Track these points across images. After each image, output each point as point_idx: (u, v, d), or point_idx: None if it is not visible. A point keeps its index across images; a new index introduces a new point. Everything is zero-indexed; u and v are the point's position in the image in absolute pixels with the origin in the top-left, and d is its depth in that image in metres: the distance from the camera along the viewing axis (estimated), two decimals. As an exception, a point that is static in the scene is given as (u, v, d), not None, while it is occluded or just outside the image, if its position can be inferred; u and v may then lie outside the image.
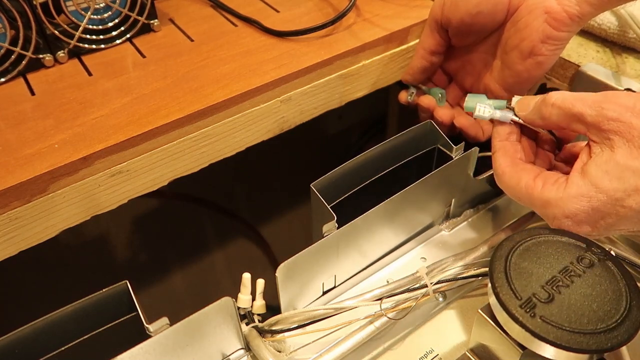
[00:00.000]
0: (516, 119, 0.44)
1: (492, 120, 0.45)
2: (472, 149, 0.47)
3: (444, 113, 0.52)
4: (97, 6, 0.53)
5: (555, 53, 0.45)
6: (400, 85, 0.60)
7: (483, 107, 0.45)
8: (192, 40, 0.56)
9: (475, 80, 0.52)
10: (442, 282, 0.43)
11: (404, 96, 0.56)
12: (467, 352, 0.41)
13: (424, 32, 0.51)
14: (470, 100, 0.46)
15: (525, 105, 0.43)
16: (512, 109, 0.44)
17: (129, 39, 0.56)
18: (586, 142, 0.39)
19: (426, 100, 0.54)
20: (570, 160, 0.43)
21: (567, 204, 0.37)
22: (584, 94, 0.38)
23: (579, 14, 0.43)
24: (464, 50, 0.52)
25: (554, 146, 0.46)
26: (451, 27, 0.49)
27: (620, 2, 0.43)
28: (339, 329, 0.42)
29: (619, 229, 0.37)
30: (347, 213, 0.42)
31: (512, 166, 0.42)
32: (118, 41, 0.55)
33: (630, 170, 0.34)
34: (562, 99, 0.39)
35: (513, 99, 0.44)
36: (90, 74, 0.51)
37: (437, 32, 0.50)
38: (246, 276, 0.42)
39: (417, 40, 0.57)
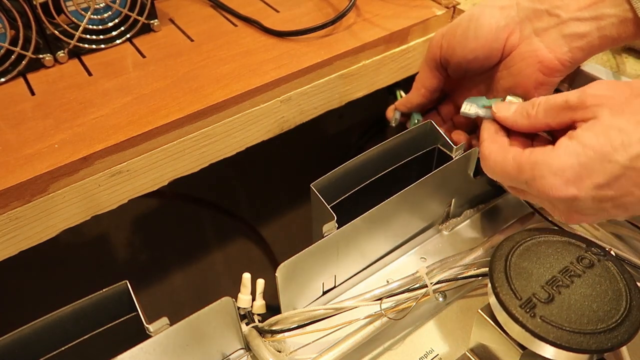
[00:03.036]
0: None
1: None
2: (472, 149, 0.47)
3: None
4: (97, 6, 0.53)
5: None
6: (389, 90, 0.60)
7: (469, 105, 0.46)
8: (192, 40, 0.56)
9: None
10: (442, 282, 0.43)
11: (389, 115, 0.56)
12: (467, 352, 0.41)
13: (422, 71, 0.51)
14: (466, 101, 0.47)
15: (505, 108, 0.44)
16: None
17: (129, 39, 0.56)
18: None
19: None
20: None
21: (555, 160, 0.37)
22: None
23: (571, 60, 0.44)
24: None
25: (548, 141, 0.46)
26: (449, 67, 0.49)
27: (609, 46, 0.43)
28: (339, 329, 0.42)
29: (606, 194, 0.36)
30: (347, 213, 0.42)
31: (500, 147, 0.42)
32: (118, 41, 0.55)
33: (615, 128, 0.35)
34: (547, 97, 0.41)
35: (507, 97, 0.46)
36: (90, 74, 0.51)
37: (436, 70, 0.50)
38: (246, 276, 0.42)
39: (418, 40, 0.57)
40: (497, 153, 0.41)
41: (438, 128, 0.48)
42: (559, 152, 0.37)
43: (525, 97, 0.46)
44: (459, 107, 0.51)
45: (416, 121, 0.53)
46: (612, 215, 0.38)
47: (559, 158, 0.37)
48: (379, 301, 0.41)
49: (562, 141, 0.38)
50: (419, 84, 0.52)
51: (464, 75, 0.50)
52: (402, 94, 0.57)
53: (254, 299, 0.42)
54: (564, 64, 0.44)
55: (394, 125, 0.55)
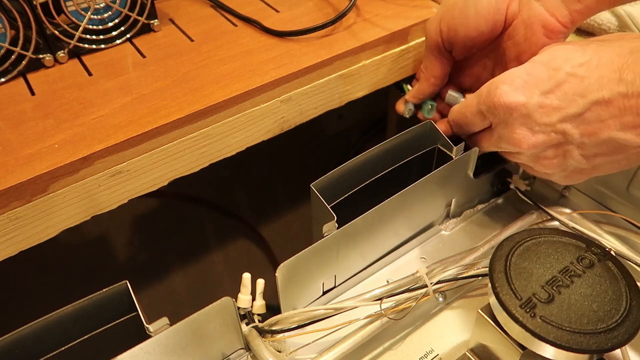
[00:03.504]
0: None
1: None
2: (472, 149, 0.47)
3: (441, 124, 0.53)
4: (97, 6, 0.53)
5: None
6: (396, 86, 0.60)
7: (454, 95, 0.50)
8: (192, 40, 0.56)
9: (474, 81, 0.53)
10: (442, 282, 0.43)
11: (401, 108, 0.56)
12: (467, 352, 0.41)
13: (427, 61, 0.51)
14: (449, 92, 0.51)
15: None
16: None
17: (129, 39, 0.56)
18: None
19: (421, 116, 0.55)
20: None
21: (506, 74, 0.41)
22: None
23: (571, 22, 0.45)
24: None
25: None
26: (454, 49, 0.49)
27: (605, 7, 0.45)
28: (339, 329, 0.42)
29: (552, 102, 0.39)
30: (347, 213, 0.42)
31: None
32: (118, 41, 0.55)
33: (561, 50, 0.40)
34: None
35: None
36: (90, 74, 0.51)
37: (441, 56, 0.50)
38: (246, 276, 0.42)
39: (418, 40, 0.57)
40: (465, 99, 0.47)
41: (438, 128, 0.48)
42: (513, 68, 0.42)
43: None
44: (464, 88, 0.51)
45: (430, 107, 0.54)
46: (559, 142, 0.40)
47: (509, 73, 0.41)
48: (379, 301, 0.41)
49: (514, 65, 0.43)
50: (427, 74, 0.52)
51: (469, 54, 0.50)
52: (409, 87, 0.57)
53: (254, 299, 0.42)
54: (566, 26, 0.45)
55: (407, 116, 0.55)
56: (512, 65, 0.48)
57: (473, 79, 0.53)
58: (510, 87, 0.40)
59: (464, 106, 0.46)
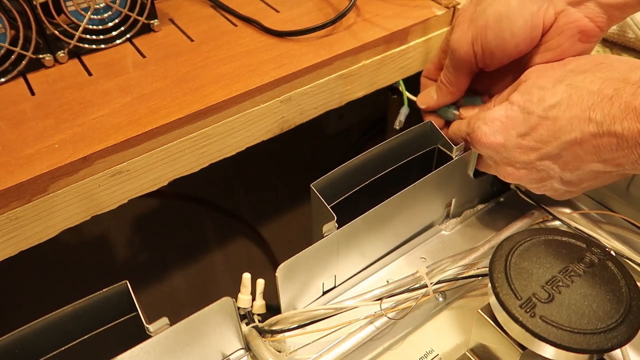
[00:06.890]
0: None
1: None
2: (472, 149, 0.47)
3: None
4: (97, 6, 0.52)
5: None
6: (391, 91, 0.60)
7: (452, 111, 0.52)
8: (192, 40, 0.56)
9: (492, 84, 0.51)
10: (442, 282, 0.43)
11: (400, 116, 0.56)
12: (467, 352, 0.41)
13: (453, 76, 0.50)
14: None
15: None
16: None
17: (129, 39, 0.56)
18: None
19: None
20: None
21: (487, 115, 0.44)
22: None
23: (608, 25, 0.44)
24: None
25: None
26: (489, 67, 0.48)
27: (636, 9, 0.43)
28: (339, 329, 0.42)
29: (528, 144, 0.41)
30: (347, 213, 0.42)
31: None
32: (118, 41, 0.55)
33: (536, 86, 0.42)
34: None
35: None
36: (90, 74, 0.51)
37: (470, 72, 0.49)
38: (246, 276, 0.42)
39: (417, 40, 0.57)
40: (458, 122, 0.49)
41: (438, 128, 0.48)
42: (493, 109, 0.44)
43: None
44: (479, 91, 0.52)
45: (453, 115, 0.52)
46: (541, 176, 0.43)
47: (490, 113, 0.44)
48: (379, 301, 0.41)
49: (498, 103, 0.45)
50: (453, 89, 0.50)
51: (498, 67, 0.49)
52: (405, 91, 0.57)
53: (254, 299, 0.42)
54: (602, 28, 0.44)
55: (398, 128, 0.55)
56: None
57: (492, 83, 0.51)
58: (490, 129, 0.43)
59: (456, 129, 0.49)
